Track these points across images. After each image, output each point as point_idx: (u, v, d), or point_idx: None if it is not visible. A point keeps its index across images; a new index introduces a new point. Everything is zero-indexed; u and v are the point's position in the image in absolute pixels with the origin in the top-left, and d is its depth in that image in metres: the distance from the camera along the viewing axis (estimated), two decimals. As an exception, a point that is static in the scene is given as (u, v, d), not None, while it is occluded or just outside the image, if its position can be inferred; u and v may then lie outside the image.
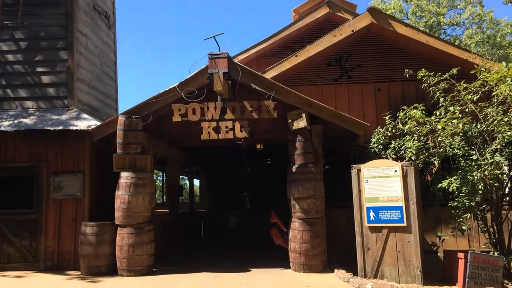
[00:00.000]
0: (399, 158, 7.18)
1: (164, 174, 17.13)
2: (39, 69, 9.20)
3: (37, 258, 8.00)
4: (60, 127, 7.94)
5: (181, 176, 17.05)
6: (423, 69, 7.39)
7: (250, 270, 7.54)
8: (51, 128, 7.90)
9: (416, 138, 6.98)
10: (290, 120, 7.43)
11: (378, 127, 7.77)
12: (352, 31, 9.16)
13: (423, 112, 6.92)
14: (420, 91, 8.12)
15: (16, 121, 8.31)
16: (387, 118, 7.59)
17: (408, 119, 7.06)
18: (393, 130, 7.47)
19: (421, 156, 6.81)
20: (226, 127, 7.50)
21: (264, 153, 12.04)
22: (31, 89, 9.14)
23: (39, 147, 8.28)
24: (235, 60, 9.32)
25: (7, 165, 8.26)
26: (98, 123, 8.17)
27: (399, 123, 7.37)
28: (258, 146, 10.27)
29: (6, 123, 8.22)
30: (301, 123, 7.33)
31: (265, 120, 7.66)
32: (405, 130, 7.16)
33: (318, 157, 7.47)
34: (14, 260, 8.00)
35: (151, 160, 7.67)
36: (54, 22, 9.43)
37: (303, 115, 7.31)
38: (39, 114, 8.70)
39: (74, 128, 7.95)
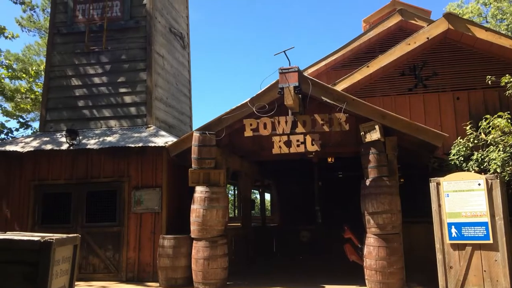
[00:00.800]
0: (482, 171, 6.72)
1: (236, 188, 17.45)
2: (122, 90, 9.83)
3: (119, 269, 8.44)
4: (140, 144, 8.39)
5: (252, 190, 17.24)
6: (507, 75, 6.90)
7: (324, 287, 7.39)
8: (132, 145, 8.37)
9: (501, 148, 6.50)
10: (363, 132, 7.25)
11: (458, 138, 7.34)
12: (427, 38, 8.80)
13: (509, 121, 6.45)
14: (504, 98, 7.60)
15: (101, 139, 8.91)
16: (468, 128, 7.15)
17: (492, 128, 6.60)
18: (475, 141, 7.02)
19: (508, 168, 6.33)
20: (297, 140, 7.47)
21: (336, 166, 11.83)
22: (114, 109, 9.78)
23: (121, 163, 8.80)
24: (305, 74, 9.33)
25: (93, 181, 8.86)
26: (174, 139, 8.52)
27: (482, 133, 6.91)
28: (329, 160, 10.12)
29: (93, 141, 8.84)
30: (374, 135, 7.12)
31: (337, 133, 7.55)
32: (489, 141, 6.71)
33: (393, 170, 7.20)
34: (99, 271, 8.50)
35: (224, 175, 7.85)
36: (134, 45, 10.06)
37: (376, 127, 7.10)
38: (121, 132, 9.27)
39: (153, 144, 8.36)
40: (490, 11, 24.22)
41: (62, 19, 10.53)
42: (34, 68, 15.45)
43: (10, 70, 13.87)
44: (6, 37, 13.65)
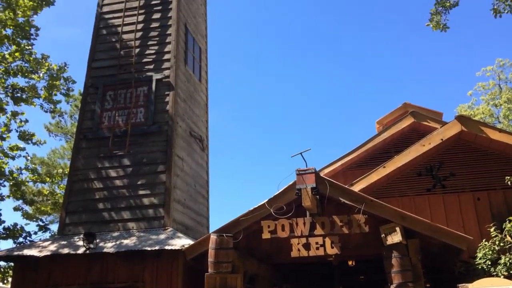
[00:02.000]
0: (512, 276, 6.40)
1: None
2: (141, 192, 9.99)
3: None
4: (157, 247, 8.30)
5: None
6: (526, 175, 6.88)
7: None
8: (149, 249, 8.28)
9: (530, 252, 6.25)
10: (383, 235, 7.09)
11: (483, 241, 7.12)
12: (441, 139, 8.97)
13: (534, 222, 6.28)
14: (526, 199, 7.47)
15: (118, 242, 8.86)
16: (492, 230, 6.97)
17: (517, 230, 6.42)
18: (501, 244, 6.79)
19: (540, 273, 6.02)
20: (316, 243, 7.32)
21: (357, 269, 11.38)
22: (132, 211, 9.85)
23: (136, 267, 8.63)
24: (321, 174, 9.44)
25: (107, 286, 8.63)
26: (191, 241, 8.43)
27: (507, 235, 6.71)
28: (350, 263, 9.78)
29: (110, 244, 8.80)
30: (396, 237, 6.95)
31: (356, 234, 7.40)
32: (516, 243, 6.48)
33: (418, 275, 6.88)
34: None
35: (242, 280, 7.60)
36: (155, 148, 10.43)
37: (397, 229, 6.96)
38: (138, 235, 9.24)
39: (169, 247, 8.26)
40: (501, 112, 24.79)
41: (88, 125, 11.11)
42: (58, 171, 15.97)
43: (35, 174, 14.36)
44: (34, 143, 14.33)
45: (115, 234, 9.49)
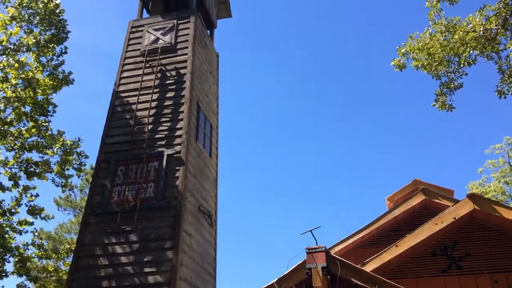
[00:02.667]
0: None
1: None
2: (146, 270, 9.73)
3: None
4: (161, 328, 7.93)
5: None
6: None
7: None
8: (152, 330, 7.91)
9: None
10: (399, 319, 6.76)
11: (505, 327, 6.73)
12: (454, 218, 8.82)
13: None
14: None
15: (120, 322, 8.49)
16: (513, 315, 6.61)
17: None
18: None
19: None
20: (328, 328, 6.98)
21: None
22: (137, 289, 9.54)
23: None
24: (332, 251, 9.21)
25: None
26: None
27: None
28: None
29: (112, 324, 8.43)
30: (412, 322, 6.61)
31: (370, 319, 7.05)
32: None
33: None
34: None
35: None
36: (163, 224, 10.32)
37: (413, 313, 6.65)
38: (142, 315, 8.87)
39: (174, 329, 7.88)
40: (513, 190, 24.52)
41: (98, 200, 11.12)
42: (65, 247, 15.79)
43: (41, 250, 14.20)
44: (43, 218, 14.31)
45: (118, 314, 9.12)
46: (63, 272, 15.38)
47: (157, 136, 11.84)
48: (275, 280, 7.49)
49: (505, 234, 8.69)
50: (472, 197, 8.90)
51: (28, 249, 13.77)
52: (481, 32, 9.82)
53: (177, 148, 11.42)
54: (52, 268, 15.87)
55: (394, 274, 8.78)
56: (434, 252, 9.02)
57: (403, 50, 10.94)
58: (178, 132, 11.73)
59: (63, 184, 14.90)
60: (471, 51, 10.27)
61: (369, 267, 8.65)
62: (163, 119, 12.07)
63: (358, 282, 7.16)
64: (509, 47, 9.87)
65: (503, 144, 26.11)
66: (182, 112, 11.98)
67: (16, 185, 13.77)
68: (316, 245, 7.51)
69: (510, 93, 10.37)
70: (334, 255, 7.85)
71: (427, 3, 10.62)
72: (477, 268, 8.57)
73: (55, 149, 14.52)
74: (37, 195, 14.30)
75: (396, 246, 8.97)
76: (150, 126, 11.97)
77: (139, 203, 10.59)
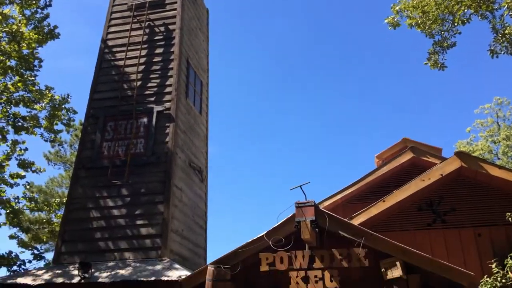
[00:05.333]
0: (516, 313, 6.28)
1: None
2: (139, 222, 9.92)
3: None
4: (153, 278, 8.17)
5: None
6: (527, 212, 6.85)
7: None
8: (145, 279, 8.16)
9: (532, 289, 6.16)
10: (383, 269, 7.00)
11: (485, 277, 7.01)
12: (441, 175, 8.97)
13: (536, 258, 6.22)
14: (527, 235, 7.41)
15: (113, 272, 8.72)
16: (493, 266, 6.89)
17: (519, 267, 6.34)
18: (503, 280, 6.69)
19: (543, 311, 5.91)
20: (315, 276, 7.21)
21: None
22: (129, 241, 9.75)
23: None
24: (321, 206, 9.40)
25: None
26: (188, 273, 8.30)
27: (509, 272, 6.62)
28: (350, 298, 9.57)
29: (105, 274, 8.66)
30: (396, 272, 6.86)
31: (356, 268, 7.29)
32: (518, 280, 6.39)
33: (420, 311, 6.76)
34: None
35: (239, 314, 7.44)
36: (154, 179, 10.43)
37: (397, 263, 6.87)
38: (134, 265, 9.11)
39: (166, 278, 8.14)
40: (500, 149, 24.94)
41: (88, 155, 11.14)
42: (56, 200, 15.90)
43: (32, 202, 14.29)
44: (34, 171, 14.32)
45: (111, 264, 9.35)
46: (56, 224, 15.56)
47: (146, 92, 11.75)
48: (264, 232, 7.66)
49: (490, 190, 8.90)
50: (460, 154, 9.04)
51: (19, 202, 13.87)
52: (477, -11, 9.68)
53: (167, 104, 11.37)
54: (44, 220, 16.05)
55: (381, 228, 9.02)
56: (420, 207, 9.24)
57: (397, 8, 10.77)
58: (168, 89, 11.64)
59: (52, 139, 14.83)
60: (465, 10, 10.14)
61: (356, 221, 8.86)
62: (152, 76, 11.93)
63: (346, 235, 7.35)
64: (504, 6, 9.75)
65: (492, 104, 26.32)
66: (172, 68, 11.83)
67: (4, 139, 13.68)
68: (306, 200, 7.66)
69: (502, 52, 10.35)
70: (322, 209, 8.02)
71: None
72: (461, 222, 8.83)
73: (43, 104, 14.35)
74: (26, 149, 14.25)
75: (384, 201, 9.16)
76: (138, 83, 11.83)
77: (130, 159, 10.65)
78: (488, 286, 6.85)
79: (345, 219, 8.03)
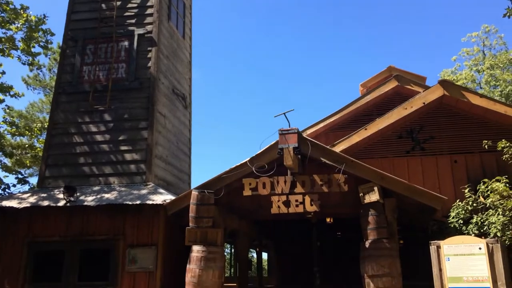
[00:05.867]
0: (482, 234, 6.69)
1: (233, 247, 17.05)
2: (122, 148, 9.93)
3: (110, 332, 8.12)
4: (138, 202, 8.36)
5: (249, 250, 16.92)
6: (503, 140, 7.05)
7: None
8: (130, 203, 8.34)
9: (500, 212, 6.51)
10: (362, 194, 7.28)
11: (457, 201, 7.37)
12: (423, 103, 9.07)
13: (507, 185, 6.50)
14: (501, 162, 7.69)
15: (99, 196, 8.89)
16: (466, 191, 7.21)
17: (491, 192, 6.65)
18: (474, 204, 7.05)
19: (508, 232, 6.30)
20: (296, 200, 7.48)
21: (335, 227, 11.71)
22: (114, 166, 9.83)
23: (117, 221, 8.71)
24: (304, 134, 9.49)
25: (88, 238, 8.72)
26: (173, 197, 8.51)
27: (481, 197, 6.95)
28: (328, 220, 10.04)
29: (90, 198, 8.82)
30: (373, 196, 7.14)
31: (336, 193, 7.56)
32: (488, 204, 6.73)
33: (393, 232, 7.14)
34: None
35: (222, 234, 7.76)
36: (137, 105, 10.30)
37: (375, 188, 7.14)
38: (119, 189, 9.27)
39: (151, 202, 8.33)
40: (483, 78, 25.07)
41: (68, 79, 10.85)
42: (37, 125, 15.70)
43: (13, 127, 14.08)
44: (12, 96, 14.00)
45: (96, 188, 9.50)
46: (39, 149, 15.51)
47: (127, 14, 11.22)
48: (248, 158, 7.79)
49: (470, 119, 9.09)
50: (443, 83, 9.09)
51: (0, 126, 13.68)
52: None
53: (148, 27, 10.94)
54: (27, 145, 15.97)
55: (361, 155, 9.25)
56: (400, 135, 9.43)
57: None
58: (149, 11, 11.14)
59: (30, 62, 14.31)
60: None
61: (338, 148, 9.04)
62: (132, -4, 11.33)
63: (327, 161, 7.53)
64: None
65: (480, 32, 25.97)
66: (153, -13, 11.23)
67: (-21, 62, 13.19)
68: (289, 127, 7.72)
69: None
70: (305, 137, 8.13)
71: None
72: (439, 150, 9.09)
73: (19, 25, 13.68)
74: (3, 72, 13.81)
75: (365, 129, 9.31)
76: (118, 2, 11.27)
77: (111, 83, 10.42)
78: (460, 209, 7.21)
79: (327, 146, 8.18)
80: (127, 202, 8.36)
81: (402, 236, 8.44)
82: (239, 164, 7.89)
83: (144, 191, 9.03)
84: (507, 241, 6.31)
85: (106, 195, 8.92)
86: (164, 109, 10.87)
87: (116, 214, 8.68)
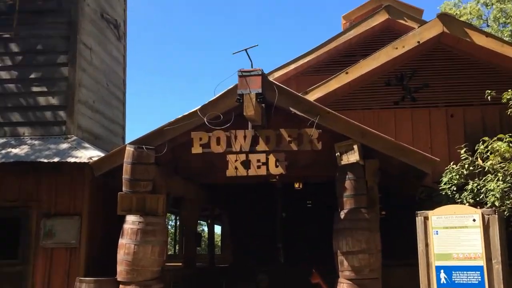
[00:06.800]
0: (478, 204, 7.01)
1: (178, 218, 17.26)
2: (35, 89, 9.63)
3: (21, 320, 8.16)
4: (56, 159, 8.22)
5: (199, 221, 17.16)
6: (509, 90, 7.27)
7: None
8: (45, 160, 8.19)
9: (500, 178, 6.81)
10: (338, 153, 7.40)
11: (451, 164, 7.64)
12: (418, 42, 9.17)
13: (510, 145, 6.77)
14: (505, 118, 7.97)
15: (4, 151, 8.67)
16: (462, 152, 7.47)
17: (491, 153, 6.91)
18: (471, 168, 7.33)
19: (508, 202, 6.63)
20: (258, 161, 7.51)
21: (304, 194, 11.97)
22: (24, 113, 9.57)
23: (29, 184, 8.57)
24: (271, 78, 9.49)
25: (-10, 204, 8.57)
26: (102, 154, 8.41)
27: (479, 159, 7.23)
28: (296, 185, 10.24)
29: (-7, 153, 8.60)
30: (352, 157, 7.28)
31: (307, 152, 7.66)
32: (487, 168, 7.01)
33: (374, 200, 7.38)
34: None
35: (164, 201, 7.78)
36: (54, 32, 9.92)
37: (355, 147, 7.27)
38: (32, 143, 9.06)
39: (73, 160, 8.21)
40: (491, 14, 25.52)
41: (-41, -6, 10.26)
42: None
43: None
44: None
45: (1, 141, 9.25)
46: None
47: None
48: (198, 107, 7.70)
49: (473, 64, 9.30)
50: (443, 17, 9.18)
51: None
52: None
53: None
54: None
55: (341, 105, 9.35)
56: (388, 81, 9.57)
57: None
58: None
59: None
60: None
61: (312, 96, 9.09)
62: None
63: (297, 112, 7.55)
64: None
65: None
66: None
67: None
68: (252, 67, 7.61)
69: None
70: (271, 80, 8.11)
71: None
72: (433, 101, 9.32)
73: None
74: None
75: (346, 73, 9.36)
76: None
77: (19, 2, 9.95)
78: (454, 173, 7.49)
79: (299, 94, 8.21)
80: (42, 160, 8.21)
81: (385, 205, 8.74)
82: (187, 113, 7.79)
83: (64, 146, 8.88)
84: (506, 212, 6.65)
85: (14, 150, 8.72)
86: (90, 40, 10.53)
87: (27, 175, 8.53)
